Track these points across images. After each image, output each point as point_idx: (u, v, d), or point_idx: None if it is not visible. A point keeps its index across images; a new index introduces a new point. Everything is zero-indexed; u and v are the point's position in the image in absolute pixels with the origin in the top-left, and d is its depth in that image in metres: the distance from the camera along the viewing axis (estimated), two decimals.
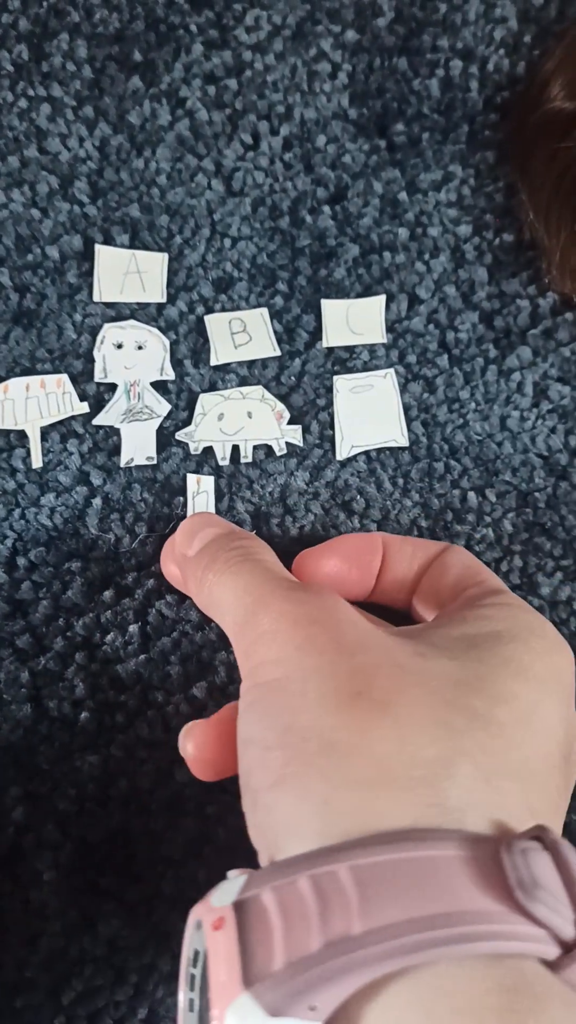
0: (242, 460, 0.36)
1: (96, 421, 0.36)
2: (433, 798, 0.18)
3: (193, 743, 0.25)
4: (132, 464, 0.35)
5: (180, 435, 0.36)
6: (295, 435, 0.36)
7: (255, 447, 0.36)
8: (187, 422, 0.36)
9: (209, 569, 0.26)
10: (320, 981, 0.15)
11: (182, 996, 0.19)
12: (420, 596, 0.29)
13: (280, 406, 0.36)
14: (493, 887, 0.16)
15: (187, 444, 0.36)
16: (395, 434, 0.37)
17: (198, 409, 0.36)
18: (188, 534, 0.29)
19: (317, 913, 0.16)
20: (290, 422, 0.36)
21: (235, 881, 0.18)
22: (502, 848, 0.17)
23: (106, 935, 0.31)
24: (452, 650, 0.21)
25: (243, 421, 0.36)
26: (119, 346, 0.37)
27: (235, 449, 0.36)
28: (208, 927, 0.17)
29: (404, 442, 0.37)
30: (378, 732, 0.19)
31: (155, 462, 0.35)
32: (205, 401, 0.36)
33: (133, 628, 0.34)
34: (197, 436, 0.36)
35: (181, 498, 0.35)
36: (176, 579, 0.32)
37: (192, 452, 0.36)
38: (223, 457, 0.36)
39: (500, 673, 0.21)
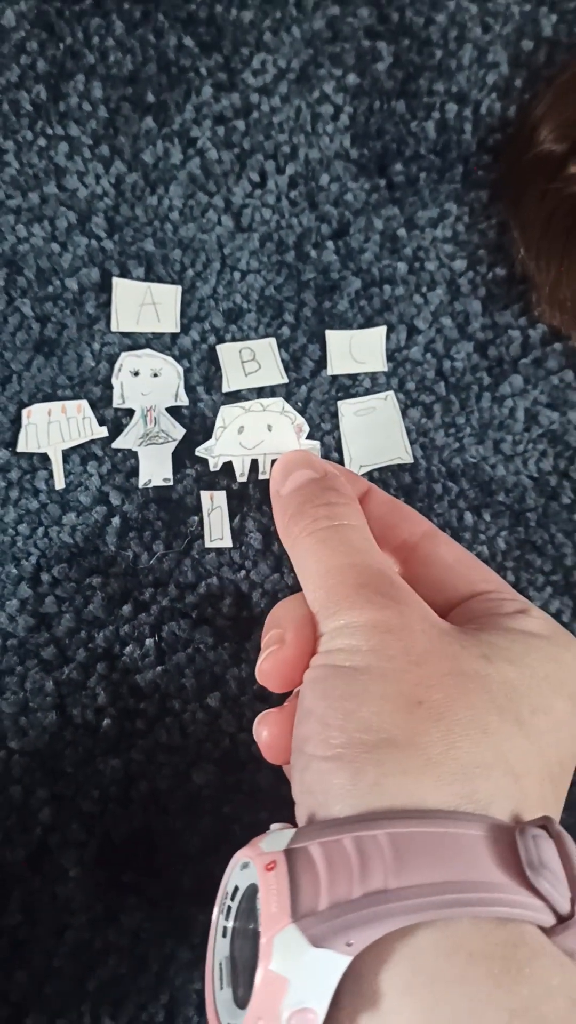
0: (260, 475, 0.39)
1: (115, 444, 0.39)
2: (467, 791, 0.22)
3: (268, 730, 0.28)
4: (150, 485, 0.39)
5: (200, 451, 0.39)
6: (314, 450, 0.39)
7: (273, 461, 0.39)
8: (202, 445, 0.40)
9: (295, 522, 0.30)
10: (358, 922, 0.19)
11: (217, 923, 0.23)
12: (420, 584, 0.31)
13: (300, 419, 0.39)
14: (507, 864, 0.21)
15: (202, 461, 0.39)
16: (399, 452, 0.41)
17: (218, 422, 0.39)
18: (283, 471, 0.32)
19: (358, 867, 0.20)
20: (309, 437, 0.40)
21: (283, 833, 0.22)
22: (517, 833, 0.22)
23: (129, 927, 0.34)
24: (511, 652, 0.25)
25: (263, 434, 0.39)
26: (136, 374, 0.40)
27: (253, 463, 0.39)
28: (260, 868, 0.21)
29: (409, 459, 0.40)
30: (430, 736, 0.23)
31: (171, 483, 0.39)
32: (226, 414, 0.39)
33: (149, 642, 0.37)
34: (217, 451, 0.39)
35: (196, 517, 0.39)
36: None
37: (212, 468, 0.39)
38: (241, 473, 0.39)
39: (543, 686, 0.25)
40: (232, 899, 0.22)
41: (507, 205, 0.44)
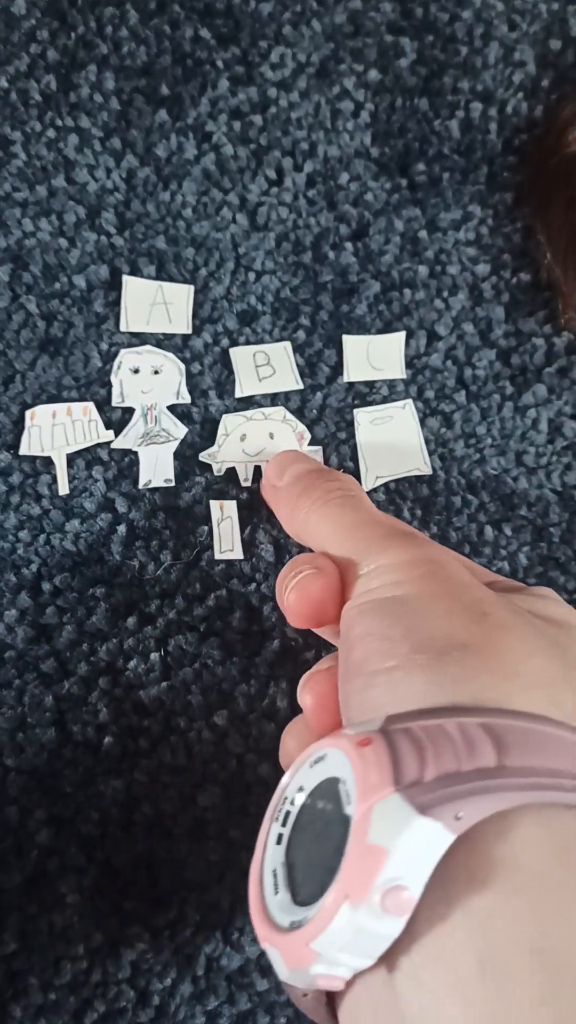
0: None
1: (114, 445, 0.39)
2: (555, 700, 0.22)
3: (313, 692, 0.28)
4: (150, 486, 0.38)
5: (203, 456, 0.39)
6: (316, 456, 0.39)
7: None
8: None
9: (305, 496, 0.30)
10: (469, 795, 0.18)
11: (270, 832, 0.21)
12: None
13: (301, 427, 0.40)
14: None
15: (210, 469, 0.39)
16: (418, 463, 0.40)
17: (221, 430, 0.39)
18: (278, 467, 0.33)
19: (464, 748, 0.19)
20: (310, 443, 0.40)
21: (368, 722, 0.21)
22: None
23: (129, 958, 0.33)
24: (537, 617, 0.25)
25: (265, 442, 0.39)
26: (136, 371, 0.40)
27: (257, 470, 0.39)
28: (351, 746, 0.20)
29: (427, 470, 0.40)
30: (505, 643, 0.22)
31: (173, 484, 0.38)
32: (228, 422, 0.40)
33: (155, 656, 0.37)
34: (220, 457, 0.39)
35: (205, 527, 0.38)
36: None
37: (216, 473, 0.39)
38: (245, 478, 0.39)
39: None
40: (292, 803, 0.21)
41: (533, 209, 0.44)
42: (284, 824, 0.21)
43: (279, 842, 0.21)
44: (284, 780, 0.22)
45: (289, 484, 0.32)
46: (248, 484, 0.39)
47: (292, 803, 0.21)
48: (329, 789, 0.20)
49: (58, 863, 0.34)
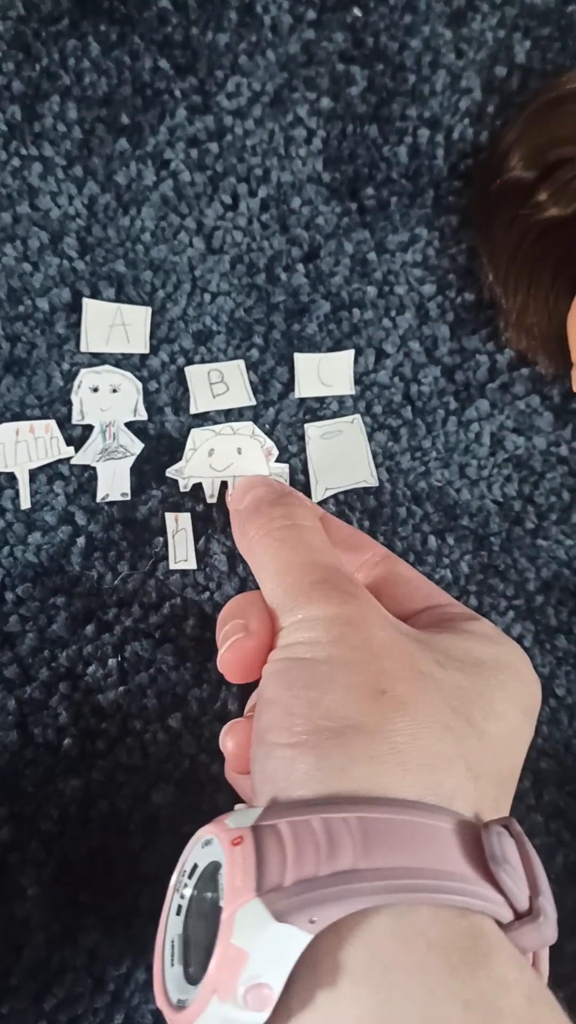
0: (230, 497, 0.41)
1: (74, 461, 0.41)
2: (433, 783, 0.24)
3: (233, 740, 0.30)
4: (107, 499, 0.41)
5: (170, 471, 0.41)
6: (283, 473, 0.41)
7: None
8: (168, 466, 0.41)
9: (250, 521, 0.31)
10: (323, 900, 0.21)
11: (171, 901, 0.24)
12: (379, 598, 0.32)
13: (269, 443, 0.42)
14: (471, 858, 0.23)
15: (166, 482, 0.41)
16: (365, 475, 0.42)
17: (189, 444, 0.42)
18: (241, 490, 0.34)
19: (326, 847, 0.21)
20: (277, 460, 0.42)
21: (249, 811, 0.23)
22: (482, 829, 0.23)
23: (86, 946, 0.36)
24: (463, 663, 0.27)
25: (233, 457, 0.41)
26: (95, 389, 0.42)
27: (223, 485, 0.41)
28: (226, 843, 0.22)
29: (374, 482, 0.42)
30: (395, 725, 0.24)
31: (129, 498, 0.41)
32: (196, 436, 0.42)
33: (112, 662, 0.39)
34: (187, 472, 0.41)
35: (161, 538, 0.40)
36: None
37: (182, 489, 0.41)
38: (211, 495, 0.41)
39: (497, 694, 0.27)
40: (190, 877, 0.23)
41: (477, 231, 0.46)
42: (183, 896, 0.24)
43: (178, 912, 0.23)
44: (183, 854, 0.24)
45: (244, 508, 0.34)
46: (213, 500, 0.41)
47: (190, 876, 0.24)
48: (213, 874, 0.23)
49: (19, 857, 0.36)
